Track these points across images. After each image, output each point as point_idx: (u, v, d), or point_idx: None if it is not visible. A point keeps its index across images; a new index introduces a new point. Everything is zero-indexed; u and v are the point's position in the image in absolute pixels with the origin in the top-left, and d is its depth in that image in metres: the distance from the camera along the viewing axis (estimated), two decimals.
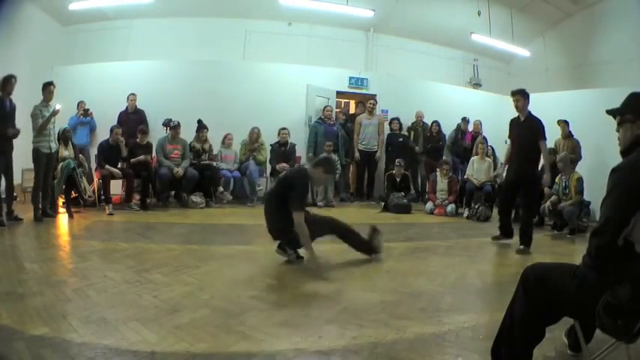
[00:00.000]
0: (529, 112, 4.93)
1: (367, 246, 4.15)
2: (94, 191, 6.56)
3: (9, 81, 5.11)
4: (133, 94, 7.64)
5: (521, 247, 4.79)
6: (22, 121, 5.43)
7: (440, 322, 2.69)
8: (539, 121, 4.89)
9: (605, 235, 1.69)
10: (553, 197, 6.11)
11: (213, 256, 4.15)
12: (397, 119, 8.56)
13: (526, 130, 4.91)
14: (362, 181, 8.57)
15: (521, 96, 4.90)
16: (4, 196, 5.33)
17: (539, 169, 5.17)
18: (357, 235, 4.13)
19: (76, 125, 7.29)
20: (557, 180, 6.22)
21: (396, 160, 7.79)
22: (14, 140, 5.25)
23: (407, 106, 8.83)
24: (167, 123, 7.20)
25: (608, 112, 2.00)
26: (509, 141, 5.27)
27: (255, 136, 7.67)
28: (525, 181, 4.94)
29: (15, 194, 5.59)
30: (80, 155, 6.37)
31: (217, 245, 4.57)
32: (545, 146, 4.94)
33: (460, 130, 8.76)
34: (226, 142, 7.65)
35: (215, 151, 7.51)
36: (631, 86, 2.41)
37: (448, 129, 8.85)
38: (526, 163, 4.90)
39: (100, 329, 2.38)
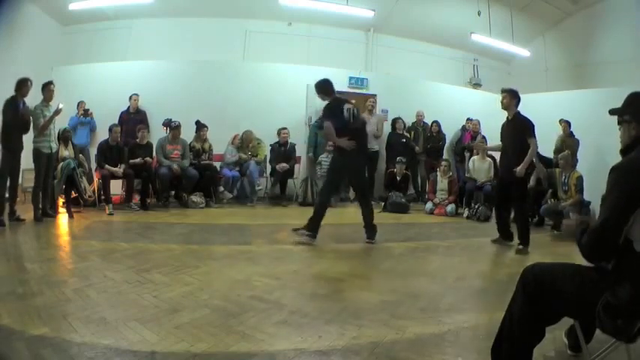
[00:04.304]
0: (518, 111, 4.92)
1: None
2: (94, 191, 6.56)
3: (25, 83, 5.15)
4: (136, 95, 7.64)
5: (520, 246, 4.79)
6: None
7: (440, 322, 2.69)
8: (528, 120, 4.86)
9: (604, 233, 1.70)
10: (549, 192, 6.15)
11: (213, 256, 4.14)
12: (400, 119, 8.54)
13: (512, 129, 4.92)
14: None
15: (508, 94, 4.90)
16: (7, 196, 5.32)
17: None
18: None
19: (76, 125, 7.28)
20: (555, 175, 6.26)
21: (397, 158, 7.78)
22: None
23: (407, 106, 8.81)
24: (167, 123, 7.19)
25: (611, 111, 2.01)
26: None
27: (250, 140, 7.65)
28: (513, 179, 4.87)
29: None
30: (80, 155, 6.36)
31: (217, 245, 4.56)
32: (534, 144, 4.82)
33: (465, 130, 8.78)
34: (235, 142, 7.67)
35: (215, 151, 7.50)
36: (631, 86, 2.41)
37: (448, 129, 8.84)
38: (514, 162, 4.85)
39: (100, 329, 2.37)
